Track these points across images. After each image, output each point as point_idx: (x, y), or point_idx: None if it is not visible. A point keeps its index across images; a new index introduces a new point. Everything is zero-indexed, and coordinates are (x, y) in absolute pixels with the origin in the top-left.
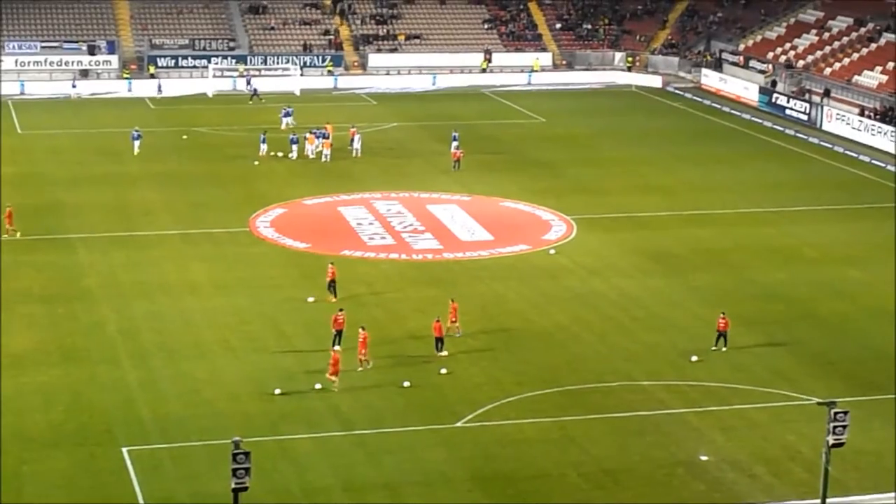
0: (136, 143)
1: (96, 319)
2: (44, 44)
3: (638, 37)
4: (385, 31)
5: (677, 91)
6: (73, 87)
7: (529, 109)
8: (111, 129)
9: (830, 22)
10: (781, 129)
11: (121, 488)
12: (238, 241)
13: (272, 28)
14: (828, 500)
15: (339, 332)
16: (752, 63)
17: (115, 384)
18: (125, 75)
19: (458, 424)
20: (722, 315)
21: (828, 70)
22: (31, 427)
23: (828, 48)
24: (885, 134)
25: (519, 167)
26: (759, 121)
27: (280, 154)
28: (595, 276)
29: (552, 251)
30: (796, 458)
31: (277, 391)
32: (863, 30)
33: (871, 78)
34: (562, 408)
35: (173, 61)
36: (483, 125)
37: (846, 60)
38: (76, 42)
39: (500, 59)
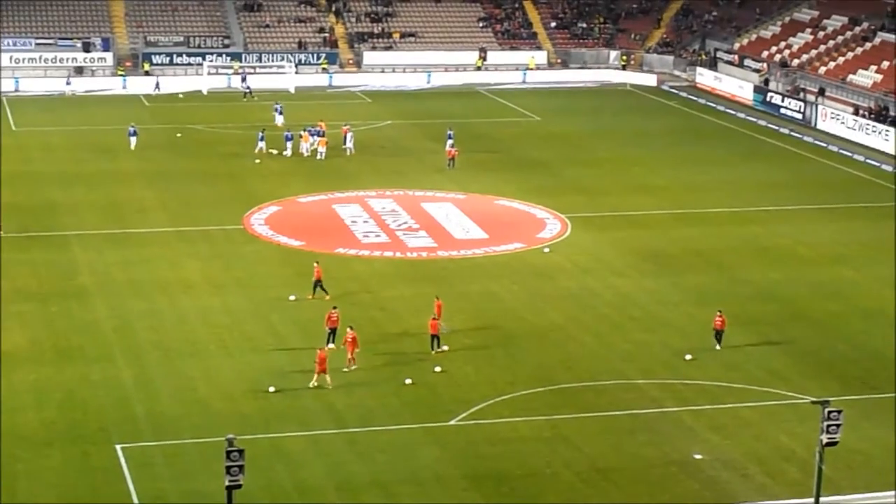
0: (133, 139)
1: (90, 317)
2: (39, 41)
3: (633, 35)
4: (380, 28)
5: (672, 90)
6: (68, 83)
7: (524, 108)
8: (106, 127)
9: (825, 21)
10: (776, 128)
11: (114, 486)
12: (232, 238)
13: (267, 25)
14: (821, 500)
15: (334, 330)
16: (747, 62)
17: (108, 382)
18: (120, 72)
19: (452, 423)
20: (719, 313)
21: (822, 69)
22: (25, 425)
23: (822, 47)
24: (879, 133)
25: (514, 165)
26: (754, 120)
27: (274, 151)
28: (589, 275)
29: (547, 250)
30: (789, 457)
31: (271, 389)
32: (857, 29)
33: (866, 77)
34: (555, 406)
35: (168, 58)
36: (478, 123)
37: (841, 59)
38: (71, 39)
39: (494, 57)
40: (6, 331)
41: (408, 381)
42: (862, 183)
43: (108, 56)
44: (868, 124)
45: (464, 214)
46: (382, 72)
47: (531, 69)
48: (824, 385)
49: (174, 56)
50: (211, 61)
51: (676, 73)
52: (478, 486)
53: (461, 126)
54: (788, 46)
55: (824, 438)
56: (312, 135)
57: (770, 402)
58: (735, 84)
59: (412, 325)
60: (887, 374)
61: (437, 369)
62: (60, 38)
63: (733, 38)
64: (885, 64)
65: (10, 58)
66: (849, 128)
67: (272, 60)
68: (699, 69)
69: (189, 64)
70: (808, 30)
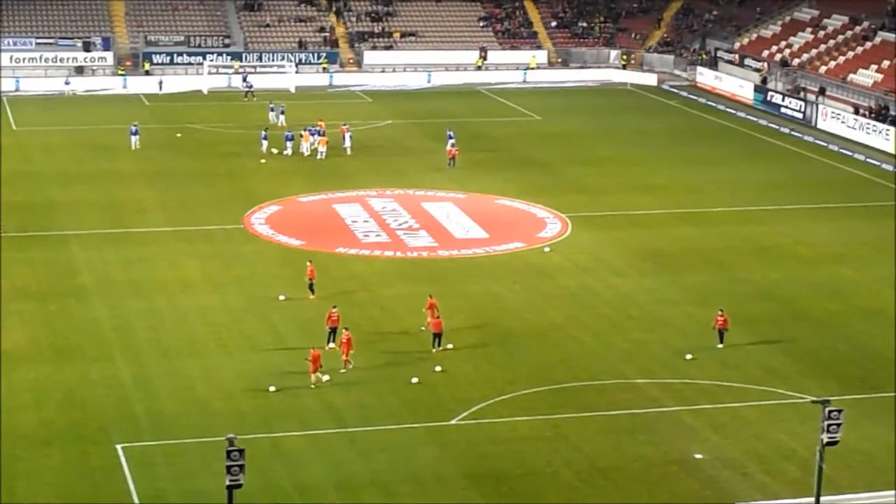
0: (135, 138)
1: (90, 316)
2: (39, 40)
3: (633, 35)
4: (380, 28)
5: (672, 89)
6: (67, 83)
7: (525, 107)
8: (106, 126)
9: (825, 20)
10: (776, 127)
11: (114, 486)
12: (233, 238)
13: (267, 25)
14: (821, 499)
15: (334, 330)
16: (748, 61)
17: (108, 381)
18: (120, 72)
19: (452, 422)
20: (720, 312)
21: (823, 68)
22: (24, 424)
23: (823, 46)
24: (879, 132)
25: (514, 165)
26: (755, 119)
27: (275, 151)
28: (589, 275)
29: (547, 249)
30: (789, 456)
31: (272, 389)
32: (858, 28)
33: (866, 76)
34: (555, 406)
35: (168, 58)
36: (478, 123)
37: (841, 59)
38: (71, 39)
39: (495, 56)
40: (6, 330)
41: (414, 379)
42: (862, 182)
43: (109, 56)
44: (868, 124)
45: (464, 214)
46: (383, 71)
47: (532, 68)
48: (824, 384)
49: (174, 55)
50: (211, 61)
51: (677, 72)
52: (477, 485)
53: (461, 125)
54: (789, 46)
55: (825, 438)
56: (313, 134)
57: (770, 401)
58: (735, 83)
59: (412, 324)
60: (887, 374)
61: (438, 369)
62: (61, 38)
63: (734, 38)
64: (886, 63)
65: (11, 57)
66: (849, 127)
67: (272, 60)
68: (699, 68)
69: (189, 63)
70: (809, 29)
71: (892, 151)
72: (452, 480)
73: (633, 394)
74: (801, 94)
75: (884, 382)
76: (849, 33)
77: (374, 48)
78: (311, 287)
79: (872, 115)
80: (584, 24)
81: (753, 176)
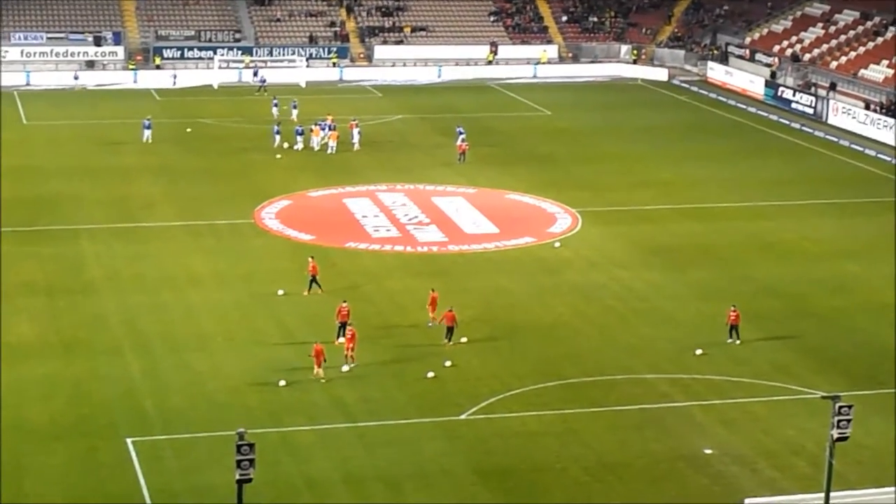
0: (147, 132)
1: (99, 311)
2: (49, 35)
3: (644, 30)
4: (391, 23)
5: (683, 84)
6: (76, 78)
7: (535, 102)
8: (116, 121)
9: (836, 15)
10: (787, 122)
11: (123, 480)
12: (242, 232)
13: (278, 20)
14: (830, 495)
15: (344, 324)
16: (758, 56)
17: (117, 376)
18: (131, 66)
19: (461, 417)
20: (733, 308)
21: (834, 64)
22: (33, 419)
23: (834, 42)
24: (890, 128)
25: (524, 160)
26: (765, 114)
27: (286, 145)
28: (599, 270)
29: (557, 244)
30: (799, 451)
31: (282, 383)
32: (869, 23)
33: (877, 72)
34: (564, 401)
35: (179, 52)
36: (488, 118)
37: (852, 54)
38: (82, 33)
39: (505, 51)
40: (14, 325)
41: (430, 374)
42: (872, 178)
43: (119, 50)
44: (879, 119)
45: (474, 209)
46: (393, 66)
47: (543, 63)
48: (832, 380)
49: (185, 50)
50: (222, 55)
51: (687, 67)
52: (486, 480)
53: (472, 120)
54: (800, 41)
55: (835, 433)
56: (323, 129)
57: (778, 396)
58: (746, 78)
59: (422, 318)
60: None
61: (448, 364)
62: (71, 32)
63: (744, 33)
64: None
65: (22, 52)
66: (860, 122)
67: (283, 55)
68: (710, 63)
69: (200, 58)
70: (820, 24)
71: None
72: (460, 475)
73: (642, 389)
74: (812, 90)
75: (892, 378)
76: (860, 28)
77: (385, 43)
78: (314, 282)
79: (883, 111)
80: (595, 19)
81: (763, 171)
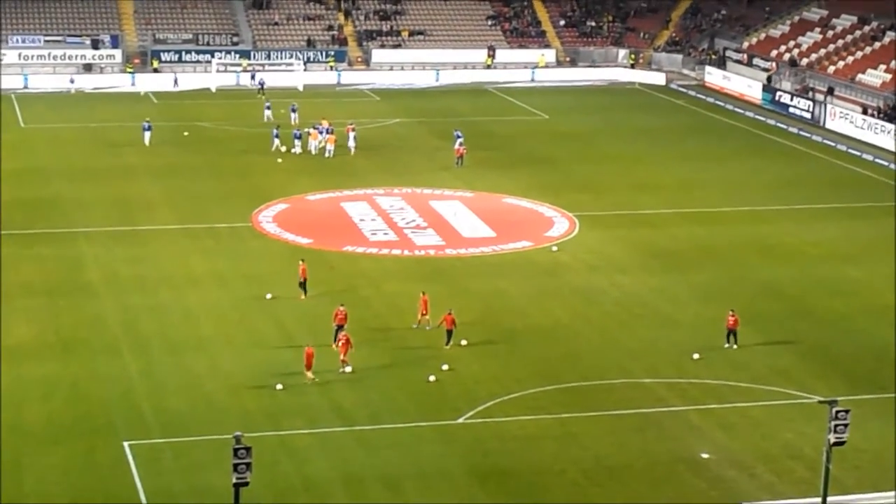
0: (147, 134)
1: (97, 313)
2: (47, 38)
3: (641, 34)
4: (389, 26)
5: (681, 88)
6: (72, 82)
7: (532, 106)
8: (114, 124)
9: (834, 20)
10: (784, 127)
11: (121, 482)
12: (240, 235)
13: (276, 23)
14: (828, 499)
15: (341, 327)
16: (756, 61)
17: (115, 377)
18: (128, 70)
19: (459, 420)
20: (731, 312)
21: (831, 68)
22: (31, 420)
23: (831, 46)
24: (888, 132)
25: (522, 164)
26: (763, 119)
27: (283, 148)
28: (597, 273)
29: (555, 248)
30: (797, 455)
31: (279, 387)
32: (867, 28)
33: (875, 76)
34: (562, 404)
35: (177, 56)
36: (486, 121)
37: (850, 59)
38: (80, 36)
39: (503, 55)
40: (14, 326)
41: (431, 378)
42: (870, 182)
43: (117, 53)
44: (877, 123)
45: (472, 212)
46: (391, 70)
47: (541, 67)
48: (831, 384)
49: (183, 53)
50: (220, 59)
51: (685, 71)
52: (484, 483)
53: (469, 124)
54: (798, 45)
55: (832, 438)
56: (321, 132)
57: (777, 401)
58: (744, 83)
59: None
60: (893, 374)
61: (445, 367)
62: (69, 35)
63: (742, 37)
64: (894, 63)
65: (20, 55)
66: (857, 127)
67: (281, 58)
68: (708, 68)
69: (198, 61)
70: (818, 29)
71: None
72: (459, 478)
73: (641, 393)
74: (810, 94)
75: (891, 382)
76: (857, 33)
77: (383, 47)
78: (303, 286)
79: (881, 116)
80: (593, 24)
81: (761, 175)
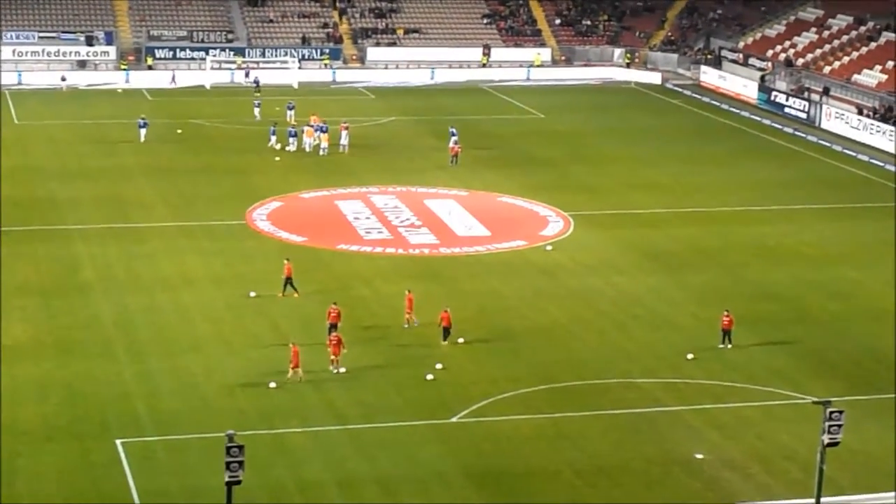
0: (143, 131)
1: (92, 312)
2: (41, 34)
3: (637, 33)
4: (384, 24)
5: (676, 88)
6: (63, 79)
7: (528, 105)
8: (109, 121)
9: (830, 20)
10: (780, 127)
11: (114, 481)
12: (234, 234)
13: (271, 21)
14: (822, 500)
15: (334, 325)
16: (752, 60)
17: (109, 377)
18: (122, 66)
19: (453, 420)
20: (726, 313)
21: (827, 68)
22: (25, 420)
23: (827, 46)
24: (883, 133)
25: (517, 163)
26: (758, 119)
27: (279, 146)
28: (591, 273)
29: (549, 247)
30: (791, 456)
31: (272, 385)
32: (862, 28)
33: (871, 77)
34: (557, 405)
35: (171, 53)
36: (481, 120)
37: (846, 59)
38: (74, 33)
39: (498, 54)
40: (8, 326)
41: (429, 376)
42: (866, 183)
43: (111, 50)
44: (872, 124)
45: (466, 211)
46: (386, 68)
47: (537, 66)
48: (827, 385)
49: (177, 50)
50: (214, 56)
51: (681, 71)
52: (479, 483)
53: (464, 123)
54: (793, 45)
55: (825, 439)
56: (316, 130)
57: (772, 401)
58: (739, 83)
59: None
60: (890, 375)
61: (439, 366)
62: (63, 32)
63: (738, 37)
64: (890, 64)
65: (13, 51)
66: (853, 127)
67: (276, 56)
68: (703, 67)
69: (192, 58)
70: (814, 29)
71: (895, 152)
72: (453, 478)
73: (636, 393)
74: (806, 94)
75: (888, 383)
76: (853, 33)
77: (378, 45)
78: (289, 285)
79: (876, 116)
80: (589, 23)
81: (757, 176)
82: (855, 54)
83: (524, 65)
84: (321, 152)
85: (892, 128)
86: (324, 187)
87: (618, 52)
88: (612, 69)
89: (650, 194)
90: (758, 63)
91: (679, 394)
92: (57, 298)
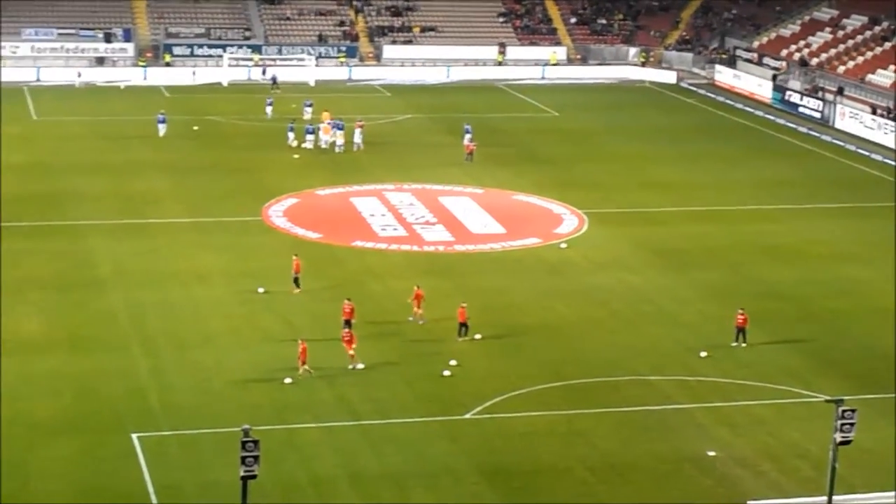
0: (162, 126)
1: (106, 307)
2: (60, 31)
3: (652, 32)
4: (400, 22)
5: (691, 87)
6: (79, 76)
7: (543, 103)
8: (126, 117)
9: (845, 20)
10: (794, 126)
11: (129, 475)
12: (250, 230)
13: (287, 18)
14: (833, 498)
15: (348, 322)
16: (766, 60)
17: (123, 372)
18: (140, 63)
19: (465, 416)
20: (741, 311)
21: (841, 68)
22: (40, 413)
23: (842, 46)
24: None
25: (531, 161)
26: (772, 118)
27: (295, 143)
28: (605, 271)
29: (563, 245)
30: (803, 454)
31: (287, 380)
32: (877, 28)
33: (885, 76)
34: (568, 402)
35: (189, 50)
36: (496, 118)
37: (860, 59)
38: (92, 29)
39: (514, 52)
40: (23, 320)
41: (446, 372)
42: (879, 182)
43: (130, 47)
44: (886, 123)
45: (481, 209)
46: (402, 66)
47: (553, 64)
48: (837, 383)
49: (195, 47)
50: (231, 53)
51: (695, 70)
52: (490, 480)
53: (480, 121)
54: (808, 45)
55: (838, 437)
56: (333, 127)
57: (783, 399)
58: (754, 82)
59: (428, 317)
60: None
61: (453, 363)
62: (82, 29)
63: (753, 37)
64: None
65: (32, 47)
66: (867, 127)
67: (292, 53)
68: (718, 67)
69: (210, 56)
70: (828, 29)
71: None
72: (465, 475)
73: (647, 391)
74: (820, 94)
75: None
76: (868, 33)
77: (394, 42)
78: (296, 281)
79: (891, 116)
80: (604, 22)
81: (770, 175)
82: (869, 54)
83: (539, 63)
84: (337, 149)
85: None
86: (340, 184)
87: (633, 51)
88: (626, 68)
89: (663, 192)
90: (772, 63)
91: (690, 391)
92: (71, 293)
